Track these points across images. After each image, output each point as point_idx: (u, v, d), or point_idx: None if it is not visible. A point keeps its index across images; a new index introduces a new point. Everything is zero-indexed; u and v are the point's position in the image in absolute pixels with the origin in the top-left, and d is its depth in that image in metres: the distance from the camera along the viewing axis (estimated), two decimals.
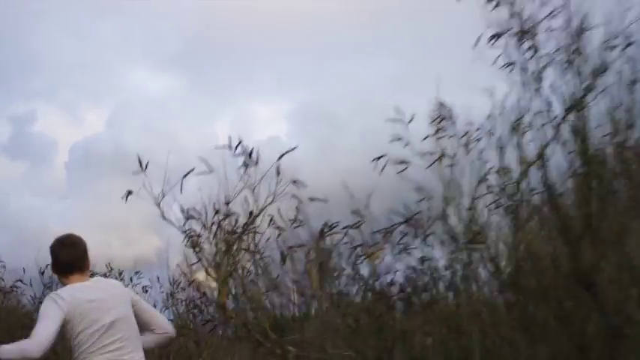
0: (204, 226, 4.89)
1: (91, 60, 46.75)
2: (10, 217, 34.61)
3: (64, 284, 2.97)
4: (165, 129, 42.30)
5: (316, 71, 44.77)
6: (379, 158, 4.22)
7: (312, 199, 4.52)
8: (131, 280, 8.42)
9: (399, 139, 4.22)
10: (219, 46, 44.29)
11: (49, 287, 7.47)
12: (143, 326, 3.05)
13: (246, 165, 4.73)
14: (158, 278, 8.09)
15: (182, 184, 4.81)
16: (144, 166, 4.79)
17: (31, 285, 8.26)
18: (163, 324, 3.14)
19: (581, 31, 3.80)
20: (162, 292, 7.98)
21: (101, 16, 46.97)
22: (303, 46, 45.24)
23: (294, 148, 4.89)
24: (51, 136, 45.07)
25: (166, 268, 7.00)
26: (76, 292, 2.87)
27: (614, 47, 3.77)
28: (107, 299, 2.91)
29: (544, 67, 3.90)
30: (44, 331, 2.68)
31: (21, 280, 8.54)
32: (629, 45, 3.75)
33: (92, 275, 3.27)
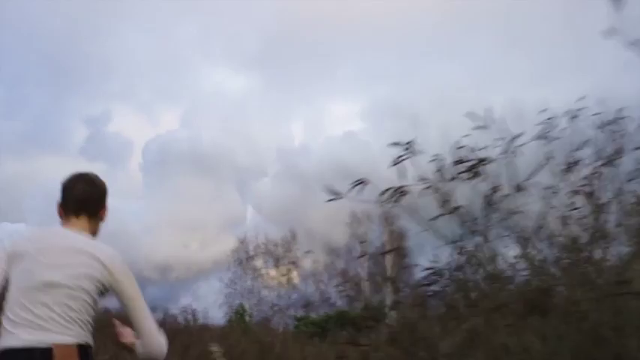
0: None
1: (168, 60, 48.10)
2: None
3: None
4: (241, 128, 43.98)
5: (394, 68, 44.59)
6: None
7: None
8: None
9: (481, 127, 3.78)
10: (298, 44, 45.07)
11: None
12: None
13: None
14: None
15: None
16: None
17: None
18: (150, 341, 2.47)
19: None
20: None
21: (180, 16, 48.26)
22: (382, 44, 45.10)
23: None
24: (126, 137, 46.82)
25: None
26: (41, 234, 2.51)
27: None
28: (61, 256, 2.37)
29: None
30: None
31: None
32: None
33: None
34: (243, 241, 32.85)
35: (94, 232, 2.61)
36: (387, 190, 3.76)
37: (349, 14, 41.76)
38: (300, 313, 30.33)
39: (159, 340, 2.49)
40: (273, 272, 33.00)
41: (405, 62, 44.08)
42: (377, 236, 33.49)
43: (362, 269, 33.12)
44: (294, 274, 33.28)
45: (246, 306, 30.06)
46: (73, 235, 2.47)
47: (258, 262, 33.17)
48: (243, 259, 32.70)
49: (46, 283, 2.29)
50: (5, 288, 2.37)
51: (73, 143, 46.74)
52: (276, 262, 33.26)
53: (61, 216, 2.61)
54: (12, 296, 2.33)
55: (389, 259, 33.10)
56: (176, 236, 32.99)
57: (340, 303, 33.36)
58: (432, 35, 41.27)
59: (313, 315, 28.62)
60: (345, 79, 45.96)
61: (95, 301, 2.39)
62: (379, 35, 42.80)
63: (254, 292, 32.29)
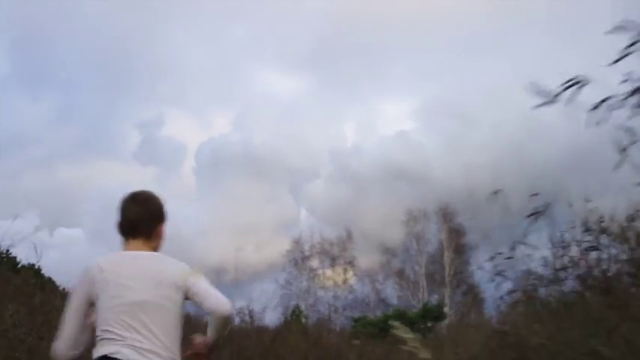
0: None
1: (220, 64, 48.95)
2: None
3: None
4: (293, 130, 44.45)
5: (446, 66, 44.79)
6: None
7: None
8: None
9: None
10: (349, 44, 45.41)
11: None
12: (203, 310, 2.60)
13: None
14: None
15: None
16: None
17: None
18: (213, 303, 2.52)
19: None
20: None
21: (232, 20, 49.24)
22: (434, 42, 45.13)
23: None
24: (179, 140, 47.85)
25: None
26: (110, 262, 2.55)
27: None
28: (140, 276, 2.50)
29: None
30: (66, 330, 2.51)
31: None
32: None
33: None
34: (297, 241, 32.90)
35: (153, 251, 2.67)
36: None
37: (401, 13, 41.61)
38: (358, 313, 30.10)
39: (223, 298, 2.54)
40: (329, 272, 32.90)
41: (456, 60, 43.99)
42: (434, 234, 32.94)
43: (419, 268, 32.64)
44: (350, 274, 33.09)
45: (302, 307, 30.02)
46: (144, 256, 2.58)
47: (314, 262, 33.14)
48: (298, 259, 32.74)
49: (134, 303, 2.43)
50: (89, 309, 2.52)
51: (127, 148, 47.81)
52: (332, 262, 33.10)
53: (119, 234, 2.68)
54: (104, 316, 2.44)
55: (448, 257, 32.68)
56: (230, 239, 32.97)
57: (397, 303, 33.21)
58: (484, 33, 40.92)
59: (370, 315, 28.39)
60: (396, 79, 46.23)
61: (180, 310, 2.53)
62: (431, 34, 42.75)
63: (310, 293, 32.26)
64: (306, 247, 33.11)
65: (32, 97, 49.12)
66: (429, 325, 25.20)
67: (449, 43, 42.71)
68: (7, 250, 24.09)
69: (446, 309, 28.81)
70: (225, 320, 2.53)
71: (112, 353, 2.36)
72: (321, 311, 30.95)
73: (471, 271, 32.64)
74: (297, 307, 29.26)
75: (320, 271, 32.95)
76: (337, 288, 32.51)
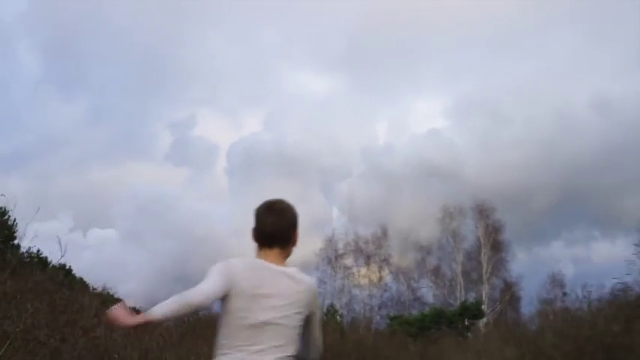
0: None
1: (252, 65, 49.59)
2: (178, 223, 36.86)
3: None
4: (325, 129, 44.60)
5: (478, 64, 45.16)
6: None
7: None
8: None
9: None
10: (381, 43, 45.88)
11: None
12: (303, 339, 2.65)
13: None
14: None
15: None
16: None
17: None
18: (312, 343, 2.71)
19: None
20: None
21: (264, 21, 50.15)
22: (466, 40, 45.23)
23: None
24: (211, 141, 48.07)
25: None
26: (252, 272, 2.54)
27: None
28: (272, 295, 2.53)
29: None
30: (209, 282, 2.47)
31: None
32: None
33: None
34: (331, 239, 32.33)
35: (287, 257, 2.72)
36: None
37: (433, 11, 41.36)
38: (393, 312, 29.50)
39: (320, 344, 2.77)
40: (363, 271, 32.28)
41: (488, 58, 43.99)
42: (471, 230, 32.09)
43: (456, 265, 31.81)
44: (385, 272, 32.43)
45: (337, 306, 29.49)
46: (277, 269, 2.60)
47: (348, 261, 32.54)
48: (332, 257, 32.13)
49: (262, 322, 2.47)
50: (214, 299, 2.50)
51: (159, 149, 48.04)
52: (367, 260, 32.47)
53: (255, 242, 2.70)
54: (231, 329, 2.50)
55: (485, 254, 31.85)
56: None
57: (433, 301, 32.48)
58: (516, 30, 41.18)
59: (406, 314, 27.80)
60: (428, 77, 46.07)
61: (301, 327, 2.61)
62: (463, 32, 43.32)
63: (344, 292, 31.66)
64: (340, 245, 32.57)
65: (65, 99, 49.72)
66: (467, 323, 24.55)
67: (481, 40, 43.27)
68: (38, 251, 24.17)
69: (483, 307, 28.02)
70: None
71: None
72: (355, 310, 30.38)
73: (508, 267, 31.82)
74: (332, 306, 28.79)
75: (354, 270, 32.36)
76: (372, 286, 31.88)
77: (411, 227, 33.73)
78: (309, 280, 2.70)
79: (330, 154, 42.04)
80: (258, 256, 2.65)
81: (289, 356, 2.53)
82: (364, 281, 32.07)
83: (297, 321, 2.57)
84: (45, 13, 46.65)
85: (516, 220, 33.49)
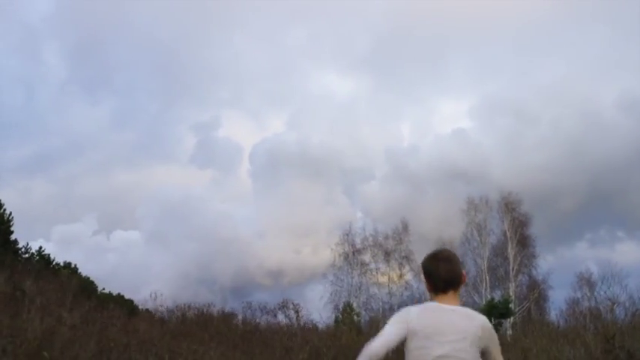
0: None
1: (277, 66, 50.36)
2: (202, 225, 36.50)
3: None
4: (350, 130, 44.85)
5: (505, 64, 45.06)
6: None
7: None
8: None
9: None
10: (408, 43, 46.00)
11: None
12: None
13: None
14: None
15: None
16: None
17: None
18: None
19: None
20: None
21: (290, 22, 50.73)
22: (491, 40, 44.97)
23: None
24: (236, 142, 48.17)
25: None
26: (426, 313, 2.85)
27: None
28: (446, 332, 2.81)
29: None
30: (385, 334, 2.82)
31: None
32: None
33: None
34: (348, 233, 30.62)
35: (458, 298, 2.98)
36: None
37: (458, 12, 41.62)
38: None
39: None
40: (383, 267, 30.52)
41: (514, 58, 45.06)
42: (497, 224, 30.30)
43: (482, 261, 29.96)
44: (406, 269, 30.67)
45: (354, 304, 27.78)
46: (452, 310, 2.87)
47: (366, 257, 30.80)
48: (349, 253, 30.41)
49: (438, 357, 2.76)
50: (393, 346, 2.83)
51: (184, 151, 48.83)
52: (386, 257, 30.70)
53: (430, 291, 2.98)
54: None
55: (512, 250, 30.07)
56: (287, 241, 33.53)
57: None
58: (542, 29, 42.34)
59: None
60: (453, 77, 46.87)
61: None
62: (488, 32, 44.20)
63: (362, 290, 29.96)
64: (358, 240, 30.88)
65: (90, 102, 50.67)
66: (494, 323, 22.87)
67: (506, 40, 44.45)
68: (40, 248, 23.07)
69: (511, 305, 26.22)
70: None
71: None
72: (374, 309, 28.61)
73: (535, 264, 30.06)
74: (349, 304, 27.13)
75: (373, 266, 30.65)
76: (392, 284, 30.17)
77: (435, 230, 32.61)
78: (482, 317, 2.93)
79: (354, 155, 43.19)
80: (434, 299, 2.92)
81: None
82: (383, 279, 30.39)
83: (473, 354, 2.80)
84: (71, 16, 48.18)
85: (541, 221, 32.08)
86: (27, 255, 21.82)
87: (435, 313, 2.82)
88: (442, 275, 2.89)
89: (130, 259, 34.01)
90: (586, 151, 35.00)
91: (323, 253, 32.45)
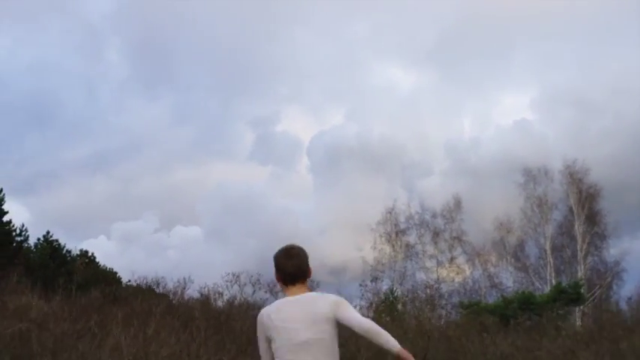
0: None
1: (338, 60, 49.33)
2: (262, 221, 35.53)
3: (284, 294, 3.28)
4: (411, 123, 44.07)
5: (567, 55, 43.90)
6: None
7: None
8: None
9: None
10: (472, 36, 45.25)
11: None
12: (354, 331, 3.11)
13: None
14: None
15: None
16: None
17: None
18: (355, 325, 3.07)
19: None
20: None
21: (353, 16, 49.84)
22: (555, 31, 43.48)
23: None
24: (296, 138, 47.09)
25: None
26: (276, 310, 3.21)
27: None
28: (300, 319, 3.11)
29: None
30: (262, 353, 3.29)
31: None
32: None
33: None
34: (391, 211, 27.31)
35: (308, 285, 3.37)
36: None
37: (523, 4, 40.84)
38: (467, 299, 24.40)
39: (362, 319, 3.15)
40: (430, 249, 27.09)
41: (578, 48, 43.49)
42: (561, 198, 26.49)
43: (544, 240, 26.18)
44: (458, 252, 27.16)
45: (397, 291, 24.48)
46: (298, 300, 3.22)
47: (411, 238, 27.48)
48: (392, 233, 27.09)
49: (302, 343, 3.08)
50: (268, 348, 3.24)
51: (243, 147, 48.50)
52: (435, 237, 27.27)
53: (279, 282, 3.37)
54: (277, 355, 3.17)
55: (580, 227, 26.38)
56: (348, 237, 32.72)
57: (513, 287, 27.20)
58: (606, 20, 40.41)
59: (484, 301, 22.78)
60: (516, 68, 45.59)
61: (335, 337, 3.17)
62: (550, 23, 42.72)
63: (406, 275, 26.63)
64: (402, 218, 27.54)
65: (150, 99, 50.59)
66: (560, 311, 19.35)
67: (569, 31, 42.99)
68: (48, 232, 21.15)
69: (582, 290, 22.49)
70: (370, 333, 3.04)
71: None
72: (421, 297, 25.18)
73: (607, 244, 26.20)
74: (391, 291, 23.88)
75: (418, 248, 27.26)
76: (441, 269, 26.74)
77: (490, 205, 29.66)
78: (325, 295, 3.26)
79: (414, 149, 41.94)
80: (285, 292, 3.29)
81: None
82: (431, 263, 26.99)
83: (329, 332, 3.12)
84: (132, 13, 47.78)
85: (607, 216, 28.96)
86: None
87: (285, 306, 3.20)
88: (289, 270, 3.28)
89: (191, 256, 33.52)
90: None
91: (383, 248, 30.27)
